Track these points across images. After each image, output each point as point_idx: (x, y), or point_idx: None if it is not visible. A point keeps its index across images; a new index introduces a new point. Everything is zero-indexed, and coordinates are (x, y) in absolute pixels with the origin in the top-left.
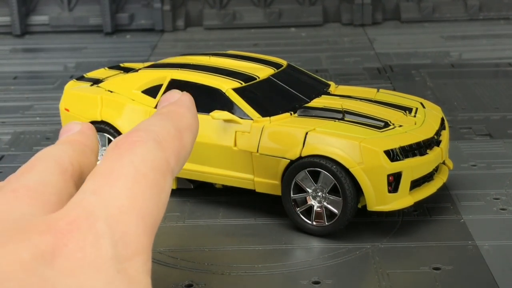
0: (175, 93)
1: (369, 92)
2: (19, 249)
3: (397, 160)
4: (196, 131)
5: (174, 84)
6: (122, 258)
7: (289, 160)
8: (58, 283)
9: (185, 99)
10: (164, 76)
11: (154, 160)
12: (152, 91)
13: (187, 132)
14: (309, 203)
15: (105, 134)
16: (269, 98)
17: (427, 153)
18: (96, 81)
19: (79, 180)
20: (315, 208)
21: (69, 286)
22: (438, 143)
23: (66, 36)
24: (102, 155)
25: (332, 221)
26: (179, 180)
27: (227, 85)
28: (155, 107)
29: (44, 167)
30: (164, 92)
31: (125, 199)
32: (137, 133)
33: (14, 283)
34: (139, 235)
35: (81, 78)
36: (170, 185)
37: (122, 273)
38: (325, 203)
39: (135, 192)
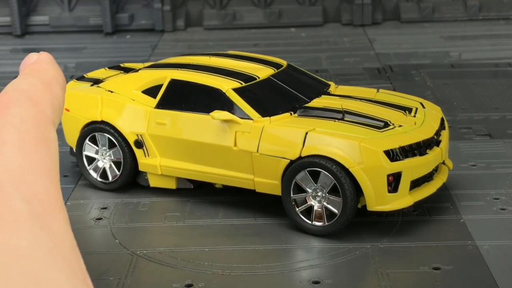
0: (33, 55)
1: (369, 92)
2: None
3: (397, 160)
4: (63, 81)
5: (174, 84)
6: (40, 214)
7: (289, 160)
8: None
9: (43, 56)
10: (164, 76)
11: (32, 115)
12: (152, 91)
13: (54, 83)
14: (309, 203)
15: (106, 134)
16: (269, 98)
17: (427, 153)
18: (96, 81)
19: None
20: (315, 208)
21: None
22: (438, 143)
23: (66, 36)
24: (102, 155)
25: (332, 221)
26: (179, 180)
27: (227, 85)
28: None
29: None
30: (164, 92)
31: (21, 159)
32: (6, 95)
33: None
34: (48, 190)
35: (81, 78)
36: (55, 135)
37: (46, 229)
38: (325, 203)
39: (27, 150)
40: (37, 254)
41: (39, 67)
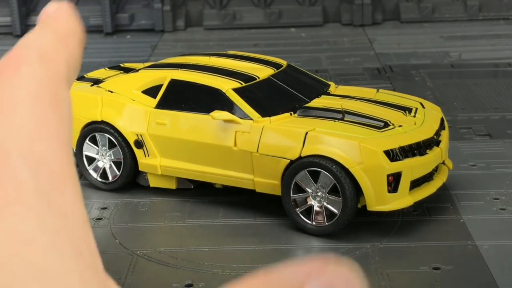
0: (51, 5)
1: (369, 92)
2: None
3: (396, 160)
4: (80, 35)
5: (174, 84)
6: (49, 188)
7: (289, 160)
8: None
9: (62, 7)
10: (164, 76)
11: (44, 75)
12: (152, 91)
13: (71, 38)
14: (309, 203)
15: (106, 134)
16: (269, 98)
17: (427, 153)
18: (96, 81)
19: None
20: (315, 208)
21: None
22: (437, 143)
23: None
24: (102, 155)
25: (332, 221)
26: (179, 180)
27: (227, 85)
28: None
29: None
30: (164, 92)
31: (31, 125)
32: (18, 52)
33: None
34: (60, 160)
35: (81, 78)
36: (69, 96)
37: (54, 206)
38: (325, 203)
39: (38, 116)
40: (42, 240)
41: (57, 18)
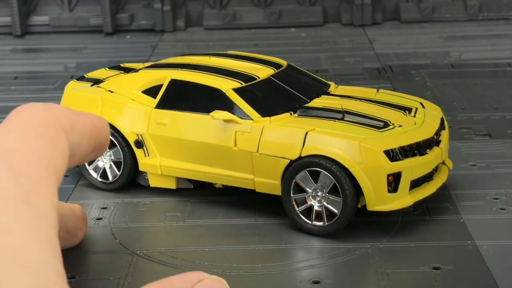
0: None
1: (369, 92)
2: None
3: (396, 160)
4: (93, 118)
5: (174, 84)
6: (26, 189)
7: (289, 160)
8: None
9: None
10: (165, 76)
11: (43, 116)
12: (152, 91)
13: (82, 116)
14: (309, 203)
15: None
16: (269, 98)
17: (427, 153)
18: (96, 81)
19: None
20: (315, 208)
21: None
22: (437, 143)
23: (67, 37)
24: (102, 155)
25: (332, 221)
26: (179, 180)
27: (227, 85)
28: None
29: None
30: (164, 92)
31: (18, 143)
32: (29, 103)
33: None
34: (39, 171)
35: (81, 78)
36: (65, 141)
37: (30, 205)
38: (325, 203)
39: (27, 138)
40: (19, 229)
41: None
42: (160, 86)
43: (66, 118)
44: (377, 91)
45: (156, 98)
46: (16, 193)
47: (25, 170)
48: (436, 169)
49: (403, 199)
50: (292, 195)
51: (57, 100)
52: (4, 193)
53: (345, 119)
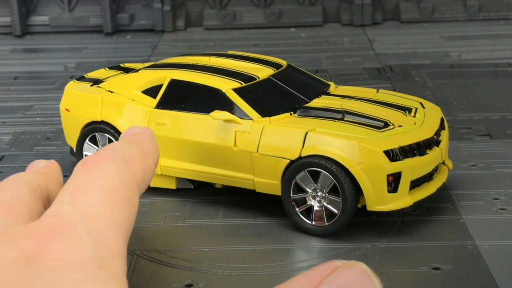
0: (136, 127)
1: (368, 92)
2: (4, 250)
3: (396, 160)
4: (157, 157)
5: (174, 84)
6: (103, 258)
7: (289, 160)
8: (44, 277)
9: (147, 131)
10: (164, 76)
11: (123, 175)
12: (152, 91)
13: (150, 156)
14: (309, 203)
15: (106, 134)
16: (269, 98)
17: (427, 153)
18: (96, 81)
19: (47, 202)
20: (315, 208)
21: (55, 279)
22: (437, 143)
23: (66, 37)
24: None
25: (332, 221)
26: (179, 180)
27: (227, 85)
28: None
29: (15, 185)
30: (164, 92)
31: (100, 208)
32: (105, 152)
33: (2, 281)
34: (116, 241)
35: (81, 78)
36: (138, 200)
37: (104, 268)
38: (325, 203)
39: (109, 203)
40: (91, 285)
41: (140, 138)
42: (160, 86)
43: (140, 170)
44: (377, 91)
45: (156, 98)
46: (93, 260)
47: (104, 239)
48: (436, 169)
49: (403, 199)
50: (292, 195)
51: (57, 100)
52: (82, 259)
53: (345, 119)
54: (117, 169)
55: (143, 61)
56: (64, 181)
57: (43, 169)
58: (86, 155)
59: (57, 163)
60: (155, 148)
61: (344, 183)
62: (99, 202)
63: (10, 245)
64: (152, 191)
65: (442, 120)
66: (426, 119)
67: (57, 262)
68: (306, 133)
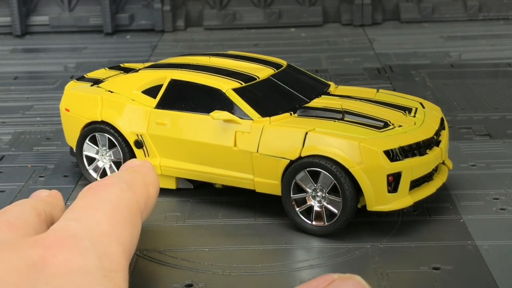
0: (136, 160)
1: (368, 92)
2: (12, 257)
3: (396, 160)
4: (158, 187)
5: (174, 84)
6: (106, 269)
7: (289, 160)
8: (50, 282)
9: (147, 163)
10: (164, 76)
11: (127, 199)
12: (152, 91)
13: (152, 186)
14: (309, 203)
15: (106, 134)
16: (269, 98)
17: (427, 153)
18: (96, 81)
19: (51, 225)
20: (315, 208)
21: (60, 284)
22: (437, 143)
23: (66, 37)
24: (102, 155)
25: (332, 221)
26: (179, 180)
27: (227, 85)
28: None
29: (22, 209)
30: (164, 92)
31: (105, 225)
32: (110, 178)
33: (9, 285)
34: (119, 256)
35: (81, 78)
36: (140, 224)
37: (108, 278)
38: (325, 203)
39: (113, 221)
40: None
41: (142, 169)
42: (160, 86)
43: (143, 196)
44: (377, 91)
45: (156, 98)
46: (97, 269)
47: (108, 253)
48: (436, 169)
49: (403, 199)
50: (292, 195)
51: (57, 100)
52: (87, 268)
53: (345, 119)
54: (121, 193)
55: (143, 61)
56: (63, 181)
57: (46, 198)
58: (86, 156)
59: (59, 193)
60: (156, 179)
61: (344, 183)
62: (103, 220)
63: (17, 252)
64: None
65: (442, 120)
66: (426, 119)
67: (63, 269)
68: (306, 133)
